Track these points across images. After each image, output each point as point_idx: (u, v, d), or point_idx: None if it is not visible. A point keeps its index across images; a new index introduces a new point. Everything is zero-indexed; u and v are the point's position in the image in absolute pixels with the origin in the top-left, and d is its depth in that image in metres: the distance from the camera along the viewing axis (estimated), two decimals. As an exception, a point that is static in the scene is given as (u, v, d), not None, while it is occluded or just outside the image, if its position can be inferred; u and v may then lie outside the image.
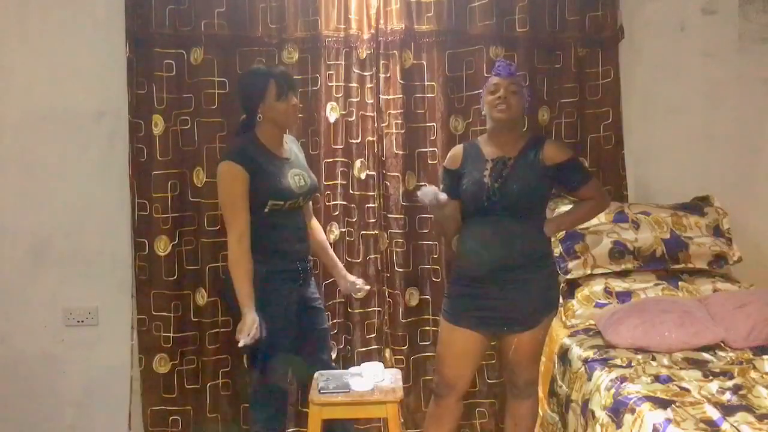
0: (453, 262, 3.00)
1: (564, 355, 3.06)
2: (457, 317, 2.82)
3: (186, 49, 3.34)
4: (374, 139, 3.46)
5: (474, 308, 2.79)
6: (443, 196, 2.72)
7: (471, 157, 2.86)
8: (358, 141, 3.45)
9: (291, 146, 2.95)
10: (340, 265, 3.18)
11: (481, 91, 2.92)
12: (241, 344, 2.67)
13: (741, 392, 2.50)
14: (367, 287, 3.20)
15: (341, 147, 3.43)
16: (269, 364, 2.82)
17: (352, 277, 3.16)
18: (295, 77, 3.03)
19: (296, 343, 2.92)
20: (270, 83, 2.78)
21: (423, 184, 3.46)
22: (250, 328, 2.66)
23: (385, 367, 2.88)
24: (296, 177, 2.84)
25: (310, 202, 3.07)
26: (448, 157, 2.96)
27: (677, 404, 2.38)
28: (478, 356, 2.91)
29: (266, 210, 2.78)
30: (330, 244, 3.26)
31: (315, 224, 3.14)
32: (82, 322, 3.47)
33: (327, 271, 3.29)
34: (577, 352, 2.99)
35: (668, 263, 3.36)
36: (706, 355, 2.86)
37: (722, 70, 3.67)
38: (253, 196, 2.76)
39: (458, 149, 2.94)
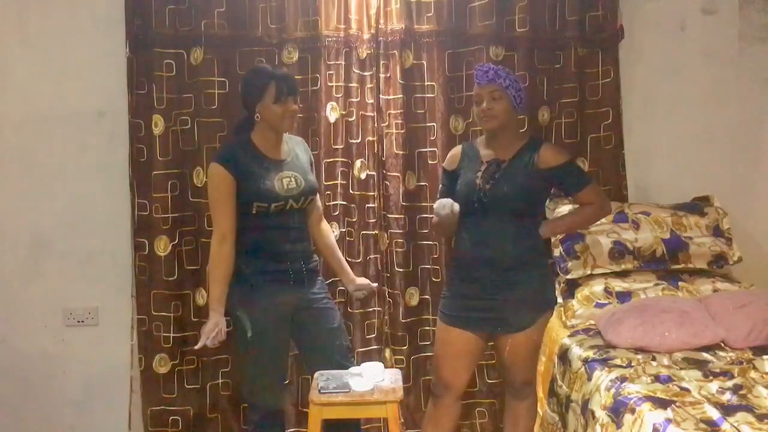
0: (450, 262, 2.99)
1: (564, 355, 3.06)
2: (452, 318, 2.83)
3: (186, 49, 3.34)
4: (374, 139, 3.46)
5: (469, 309, 2.79)
6: (456, 207, 2.73)
7: (468, 158, 2.86)
8: (358, 141, 3.45)
9: (293, 148, 2.93)
10: (348, 268, 3.16)
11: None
12: (198, 346, 2.73)
13: (741, 392, 2.50)
14: (375, 285, 3.22)
15: (341, 147, 3.43)
16: (255, 364, 2.83)
17: (360, 281, 3.16)
18: (295, 77, 3.02)
19: (303, 344, 2.93)
20: (270, 84, 2.77)
21: (423, 183, 3.49)
22: (210, 332, 2.70)
23: (385, 367, 2.88)
24: (285, 179, 2.81)
25: (318, 204, 3.05)
26: (447, 157, 2.97)
27: (677, 404, 2.38)
28: (475, 357, 2.91)
29: (253, 212, 2.78)
30: None
31: (324, 227, 3.12)
32: (82, 322, 3.47)
33: (333, 272, 3.27)
34: (577, 352, 2.99)
35: (668, 263, 3.36)
36: (706, 355, 2.86)
37: (722, 70, 3.67)
38: (239, 197, 2.77)
39: (457, 150, 2.94)
